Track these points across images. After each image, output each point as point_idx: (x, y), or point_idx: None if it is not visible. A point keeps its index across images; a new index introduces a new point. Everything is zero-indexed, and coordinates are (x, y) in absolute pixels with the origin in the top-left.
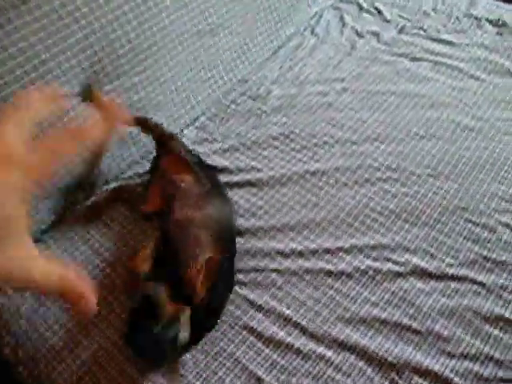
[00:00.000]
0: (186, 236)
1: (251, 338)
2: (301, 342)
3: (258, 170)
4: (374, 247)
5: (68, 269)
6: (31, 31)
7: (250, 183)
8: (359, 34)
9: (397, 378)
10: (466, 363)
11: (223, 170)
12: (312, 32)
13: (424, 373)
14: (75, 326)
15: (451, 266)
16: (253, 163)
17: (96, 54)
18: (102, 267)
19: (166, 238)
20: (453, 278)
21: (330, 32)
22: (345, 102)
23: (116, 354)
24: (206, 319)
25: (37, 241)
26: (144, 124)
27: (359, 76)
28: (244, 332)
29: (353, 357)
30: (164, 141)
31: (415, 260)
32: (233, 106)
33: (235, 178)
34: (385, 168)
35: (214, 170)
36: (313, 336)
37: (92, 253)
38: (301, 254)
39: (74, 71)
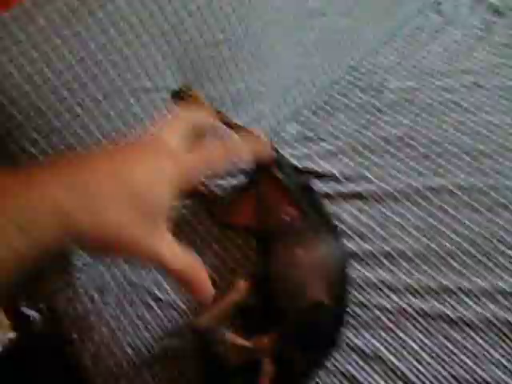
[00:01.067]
0: (291, 280)
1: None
2: None
3: (368, 181)
4: (508, 294)
5: (194, 259)
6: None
7: (357, 195)
8: (499, 13)
9: None
10: None
11: (326, 176)
12: (437, 10)
13: None
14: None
15: None
16: (362, 171)
17: (192, 41)
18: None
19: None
20: None
21: (459, 10)
22: (477, 101)
23: None
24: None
25: None
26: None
27: (495, 68)
28: (342, 378)
29: None
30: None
31: None
32: (341, 99)
33: (340, 188)
34: None
35: (319, 201)
36: None
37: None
38: (414, 291)
39: (167, 60)
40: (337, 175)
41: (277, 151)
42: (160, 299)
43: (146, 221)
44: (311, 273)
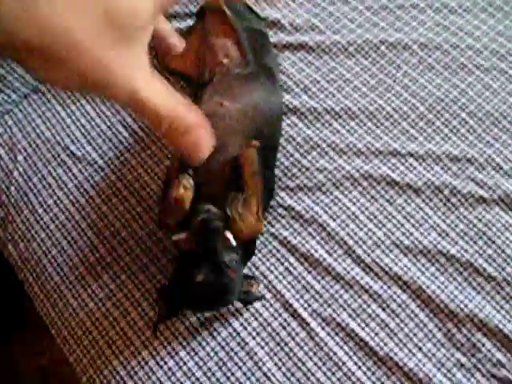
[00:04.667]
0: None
1: (283, 251)
2: (344, 265)
3: (320, 32)
4: (455, 159)
5: (188, 104)
6: None
7: (305, 47)
8: None
9: (454, 329)
10: None
11: (273, 24)
12: None
13: (490, 331)
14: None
15: None
16: (314, 21)
17: None
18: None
19: None
20: None
21: None
22: None
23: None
24: None
25: None
26: None
27: None
28: (275, 243)
29: (405, 295)
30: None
31: (508, 185)
32: None
33: (287, 39)
34: (490, 52)
35: (269, 50)
36: (360, 261)
37: (96, 115)
38: (360, 152)
39: None
40: (283, 23)
41: None
42: (75, 154)
43: (116, 36)
44: (236, 128)
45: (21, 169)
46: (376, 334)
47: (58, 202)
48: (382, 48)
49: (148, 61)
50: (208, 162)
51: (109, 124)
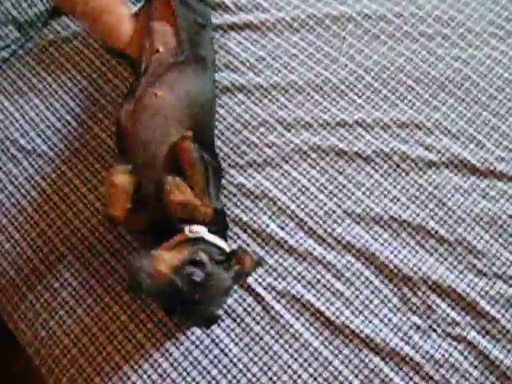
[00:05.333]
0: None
1: (235, 229)
2: (296, 238)
3: (264, 10)
4: (403, 125)
5: None
6: None
7: (250, 26)
8: None
9: (410, 293)
10: (499, 285)
11: (218, 6)
12: None
13: (444, 291)
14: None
15: (502, 160)
16: (258, 0)
17: None
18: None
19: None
20: (502, 176)
21: None
22: None
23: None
24: None
25: None
26: None
27: None
28: (230, 222)
29: (359, 263)
30: None
31: (456, 147)
32: None
33: (232, 19)
34: (433, 19)
35: (208, 39)
36: (312, 232)
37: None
38: (308, 125)
39: None
40: (227, 4)
41: None
42: (24, 148)
43: None
44: (173, 116)
45: None
46: (331, 304)
47: (10, 196)
48: (327, 21)
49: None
50: (151, 152)
51: (58, 116)
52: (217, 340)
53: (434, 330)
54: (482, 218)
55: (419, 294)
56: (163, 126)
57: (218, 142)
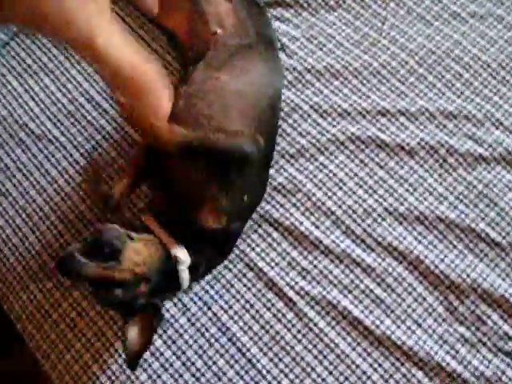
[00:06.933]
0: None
1: (264, 226)
2: (332, 238)
3: None
4: (451, 116)
5: (148, 59)
6: None
7: (283, 4)
8: None
9: (457, 302)
10: None
11: None
12: None
13: (495, 301)
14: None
15: None
16: None
17: None
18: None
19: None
20: None
21: None
22: None
23: None
24: None
25: None
26: None
27: None
28: (255, 217)
29: (401, 267)
30: None
31: (509, 141)
32: None
33: None
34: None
35: (265, 16)
36: (350, 232)
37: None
38: (345, 113)
39: None
40: None
41: None
42: (34, 133)
43: None
44: (233, 106)
45: None
46: (371, 312)
47: (17, 184)
48: (370, 2)
49: (109, 7)
50: None
51: (70, 98)
52: (243, 349)
53: (484, 344)
54: None
55: (467, 303)
56: (224, 117)
57: None
